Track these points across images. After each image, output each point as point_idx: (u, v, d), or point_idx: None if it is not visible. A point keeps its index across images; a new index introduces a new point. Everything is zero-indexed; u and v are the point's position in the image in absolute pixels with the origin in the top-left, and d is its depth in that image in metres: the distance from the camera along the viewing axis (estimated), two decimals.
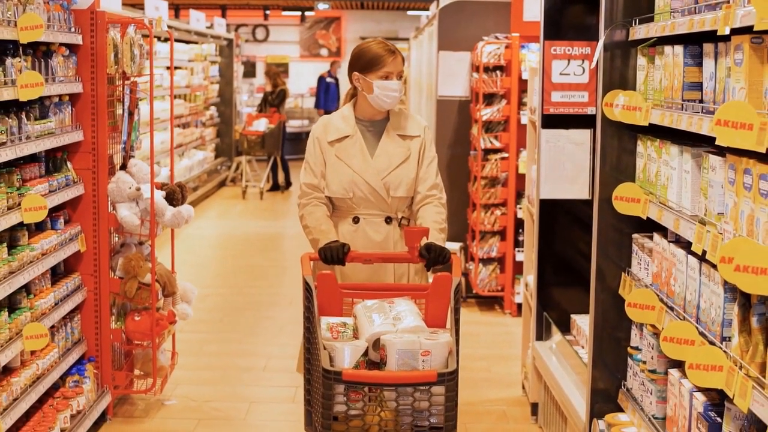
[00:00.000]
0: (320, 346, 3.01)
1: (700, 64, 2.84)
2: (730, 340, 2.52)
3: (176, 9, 17.82)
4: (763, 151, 2.19)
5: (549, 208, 4.78)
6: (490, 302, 7.22)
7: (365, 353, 3.06)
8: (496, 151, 7.07)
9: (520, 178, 6.68)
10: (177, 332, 5.42)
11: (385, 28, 20.60)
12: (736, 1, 2.42)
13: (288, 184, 13.81)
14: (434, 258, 3.46)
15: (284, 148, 13.86)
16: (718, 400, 2.71)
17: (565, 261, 4.82)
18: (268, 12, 20.53)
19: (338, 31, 21.25)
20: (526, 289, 5.27)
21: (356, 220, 3.74)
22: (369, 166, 3.73)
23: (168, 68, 10.48)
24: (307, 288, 3.22)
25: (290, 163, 14.20)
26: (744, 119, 2.24)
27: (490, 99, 7.07)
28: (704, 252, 2.62)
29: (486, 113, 6.98)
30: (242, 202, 12.85)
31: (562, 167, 4.66)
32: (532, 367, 4.84)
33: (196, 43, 13.11)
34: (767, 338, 2.33)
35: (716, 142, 2.38)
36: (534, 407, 4.86)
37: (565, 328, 4.58)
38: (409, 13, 19.86)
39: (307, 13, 20.71)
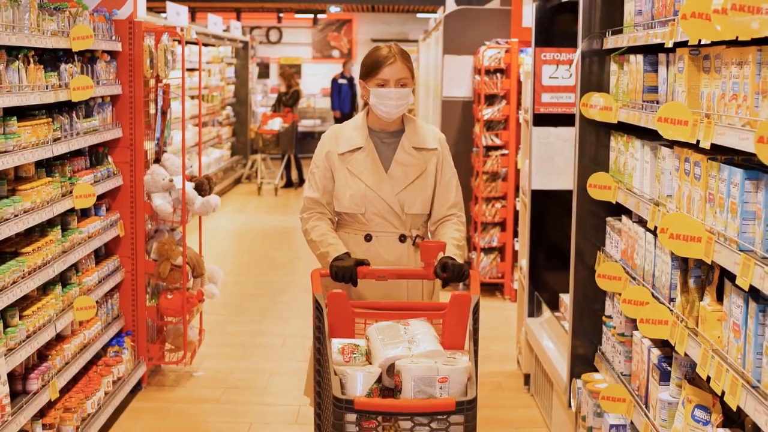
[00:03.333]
0: (331, 371, 2.84)
1: (656, 71, 3.35)
2: (675, 300, 3.04)
3: (192, 12, 18.37)
4: (694, 142, 2.71)
5: (540, 199, 5.31)
6: (491, 288, 7.74)
7: (379, 379, 2.87)
8: (496, 148, 7.59)
9: (519, 173, 7.19)
10: (202, 314, 5.96)
11: (396, 30, 21.11)
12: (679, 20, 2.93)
13: (301, 181, 14.34)
14: (450, 276, 3.29)
15: (297, 147, 14.40)
16: (669, 353, 3.22)
17: (555, 246, 5.32)
18: (281, 15, 21.09)
19: (350, 33, 21.76)
20: (520, 271, 5.78)
21: (368, 238, 3.55)
22: (383, 180, 3.52)
23: (189, 70, 11.05)
24: (317, 307, 3.05)
25: (303, 161, 14.74)
26: (680, 117, 2.76)
27: (491, 100, 7.59)
28: (656, 228, 3.14)
29: (487, 113, 7.51)
30: (258, 198, 13.39)
31: (551, 161, 5.19)
32: (525, 342, 5.36)
33: (213, 45, 13.66)
34: (702, 296, 2.85)
35: (665, 137, 2.90)
36: (527, 378, 5.38)
37: (554, 306, 5.10)
38: (419, 15, 20.36)
39: (319, 16, 21.24)
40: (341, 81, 17.58)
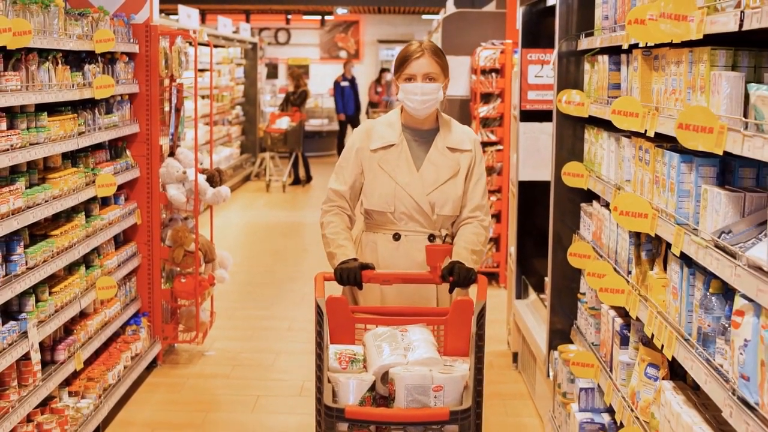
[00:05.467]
0: (325, 378, 2.82)
1: (619, 69, 3.74)
2: (631, 273, 3.43)
3: (203, 14, 18.79)
4: (643, 132, 3.10)
5: (527, 189, 5.70)
6: (488, 277, 8.11)
7: (372, 387, 2.80)
8: (492, 144, 7.99)
9: None
10: (213, 297, 6.37)
11: (401, 31, 21.52)
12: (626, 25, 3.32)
13: (308, 178, 14.75)
14: (456, 280, 3.22)
15: (304, 145, 14.80)
16: (629, 321, 3.60)
17: (542, 233, 5.69)
18: (289, 16, 21.53)
19: (356, 34, 22.18)
20: (510, 257, 6.17)
21: (397, 237, 3.46)
22: (414, 179, 3.44)
23: (200, 71, 11.47)
24: (318, 312, 2.98)
25: (310, 160, 15.17)
26: (632, 109, 3.15)
27: (486, 98, 7.99)
28: None
29: (483, 110, 7.91)
30: (266, 195, 13.81)
31: (538, 154, 5.58)
32: (513, 323, 5.75)
33: (223, 47, 14.09)
34: (652, 267, 3.24)
35: (619, 127, 3.29)
36: (515, 356, 5.77)
37: (540, 289, 5.49)
38: (424, 17, 20.77)
39: (326, 17, 21.69)
40: (343, 84, 17.65)
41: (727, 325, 2.41)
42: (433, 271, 3.24)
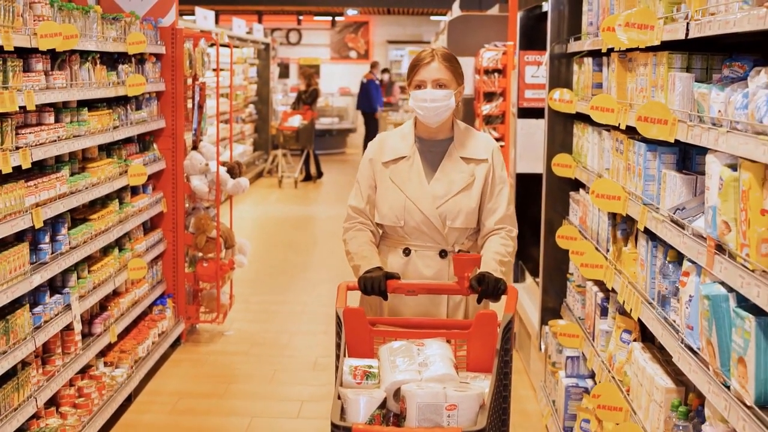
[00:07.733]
0: (335, 394, 2.71)
1: (601, 70, 4.17)
2: (609, 250, 3.87)
3: (216, 15, 19.23)
4: (616, 125, 3.54)
5: (524, 181, 6.14)
6: None
7: (383, 404, 2.68)
8: (494, 140, 8.42)
9: None
10: (233, 281, 6.82)
11: (410, 32, 21.97)
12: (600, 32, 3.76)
13: (319, 174, 15.21)
14: (485, 291, 3.06)
15: (316, 143, 15.25)
16: (609, 295, 4.04)
17: (537, 222, 6.13)
18: (301, 17, 22.00)
19: (366, 35, 22.64)
20: None
21: (407, 252, 3.36)
22: (424, 192, 3.32)
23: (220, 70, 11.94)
24: (338, 323, 2.93)
25: (321, 157, 15.63)
26: (608, 105, 3.59)
27: (489, 97, 8.43)
28: None
29: (486, 109, 8.35)
30: (278, 191, 14.27)
31: (534, 148, 6.02)
32: None
33: (237, 47, 14.55)
34: (626, 244, 3.68)
35: (597, 121, 3.73)
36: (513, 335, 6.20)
37: (536, 273, 5.90)
38: (432, 18, 21.21)
39: (337, 18, 22.15)
40: (377, 80, 18.01)
41: (678, 287, 2.85)
42: (461, 281, 3.10)
